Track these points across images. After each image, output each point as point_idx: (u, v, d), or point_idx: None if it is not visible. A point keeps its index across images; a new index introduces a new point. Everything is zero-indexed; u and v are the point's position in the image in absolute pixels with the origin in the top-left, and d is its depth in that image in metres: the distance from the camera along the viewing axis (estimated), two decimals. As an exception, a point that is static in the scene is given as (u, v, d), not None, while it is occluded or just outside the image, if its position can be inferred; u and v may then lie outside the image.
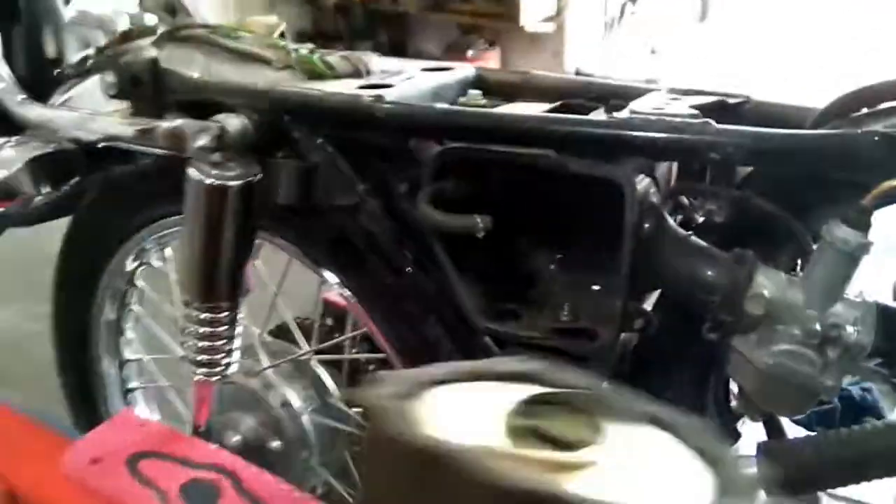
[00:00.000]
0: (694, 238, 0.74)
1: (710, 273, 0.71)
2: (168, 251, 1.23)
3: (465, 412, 0.42)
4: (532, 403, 0.43)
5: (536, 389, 0.44)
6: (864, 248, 0.66)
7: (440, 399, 0.43)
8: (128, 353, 1.32)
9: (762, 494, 0.38)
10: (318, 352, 1.14)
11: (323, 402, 1.15)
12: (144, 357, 1.32)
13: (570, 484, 0.37)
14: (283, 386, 1.14)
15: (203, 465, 0.96)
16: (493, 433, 0.40)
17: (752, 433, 0.79)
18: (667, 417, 0.44)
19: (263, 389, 1.14)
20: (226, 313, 0.93)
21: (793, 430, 0.78)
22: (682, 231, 0.75)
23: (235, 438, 1.13)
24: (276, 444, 1.13)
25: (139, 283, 1.25)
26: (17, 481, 0.97)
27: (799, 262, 0.73)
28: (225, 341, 0.94)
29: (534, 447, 0.40)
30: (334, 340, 1.10)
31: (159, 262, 1.23)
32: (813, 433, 0.71)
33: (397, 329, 0.96)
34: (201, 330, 0.93)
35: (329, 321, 1.25)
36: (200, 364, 0.95)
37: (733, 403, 0.79)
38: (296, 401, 1.14)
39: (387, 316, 0.96)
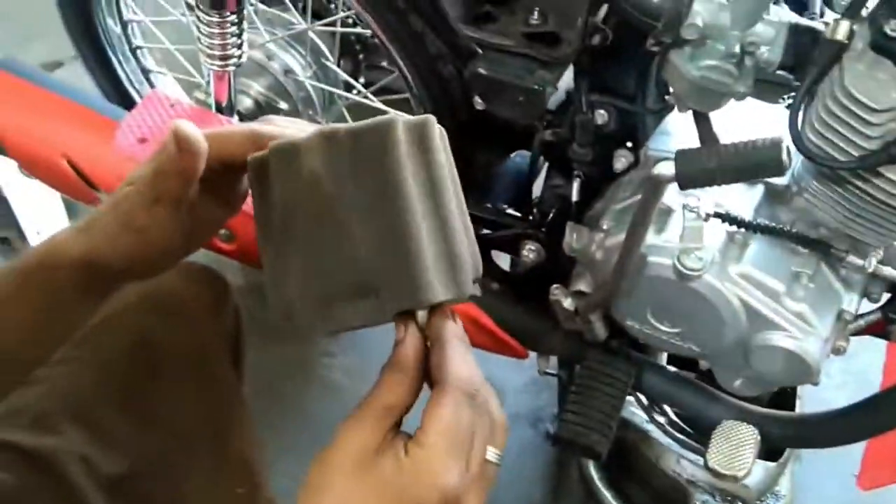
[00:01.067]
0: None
1: (655, 0, 0.83)
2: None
3: None
4: None
5: None
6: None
7: None
8: (127, 14, 1.42)
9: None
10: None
11: (320, 67, 1.30)
12: (146, 19, 1.42)
13: None
14: (284, 55, 1.29)
15: (233, 140, 1.15)
16: None
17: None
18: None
19: (267, 60, 1.28)
20: (233, 15, 1.04)
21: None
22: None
23: (248, 103, 1.30)
24: (284, 105, 1.31)
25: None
26: (79, 160, 1.17)
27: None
28: (235, 38, 1.06)
29: None
30: (329, 19, 1.22)
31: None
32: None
33: (384, 16, 1.08)
34: (212, 31, 1.04)
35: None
36: (214, 58, 1.08)
37: (668, 96, 0.96)
38: (297, 68, 1.29)
39: (373, 3, 1.07)
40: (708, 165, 0.79)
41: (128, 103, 1.44)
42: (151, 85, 1.48)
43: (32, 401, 0.80)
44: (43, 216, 1.60)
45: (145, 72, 1.46)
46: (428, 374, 0.56)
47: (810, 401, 1.32)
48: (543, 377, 1.42)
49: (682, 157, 0.81)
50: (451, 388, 0.53)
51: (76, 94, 1.24)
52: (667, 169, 0.82)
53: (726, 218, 0.91)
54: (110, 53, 1.42)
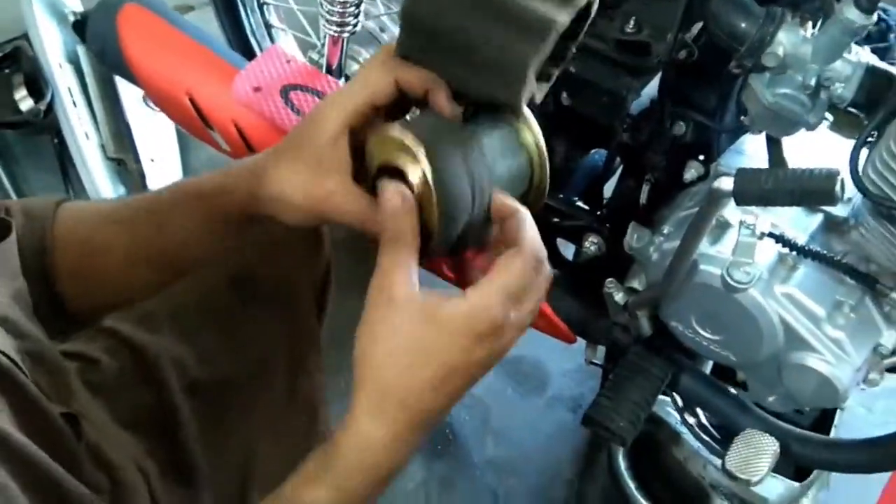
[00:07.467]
0: (741, -11, 0.90)
1: (743, 25, 0.88)
2: None
3: None
4: None
5: None
6: (866, 26, 0.83)
7: None
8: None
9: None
10: None
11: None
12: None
13: None
14: (395, 28, 1.38)
15: (337, 101, 1.25)
16: None
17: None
18: None
19: (379, 31, 1.37)
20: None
21: None
22: (732, -20, 0.90)
23: (356, 69, 1.40)
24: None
25: None
26: (199, 98, 1.29)
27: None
28: (354, 7, 1.16)
29: None
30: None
31: None
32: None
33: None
34: (334, -3, 1.14)
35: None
36: (332, 23, 1.18)
37: (744, 118, 1.01)
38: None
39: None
40: (764, 186, 0.85)
41: (247, 52, 1.56)
42: (272, 39, 1.60)
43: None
44: (157, 145, 1.74)
45: (268, 26, 1.57)
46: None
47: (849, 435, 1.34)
48: (589, 367, 1.49)
49: (741, 174, 0.86)
50: (527, 250, 0.60)
51: (205, 38, 1.36)
52: (727, 184, 0.87)
53: (780, 239, 0.96)
54: (239, 4, 1.54)
